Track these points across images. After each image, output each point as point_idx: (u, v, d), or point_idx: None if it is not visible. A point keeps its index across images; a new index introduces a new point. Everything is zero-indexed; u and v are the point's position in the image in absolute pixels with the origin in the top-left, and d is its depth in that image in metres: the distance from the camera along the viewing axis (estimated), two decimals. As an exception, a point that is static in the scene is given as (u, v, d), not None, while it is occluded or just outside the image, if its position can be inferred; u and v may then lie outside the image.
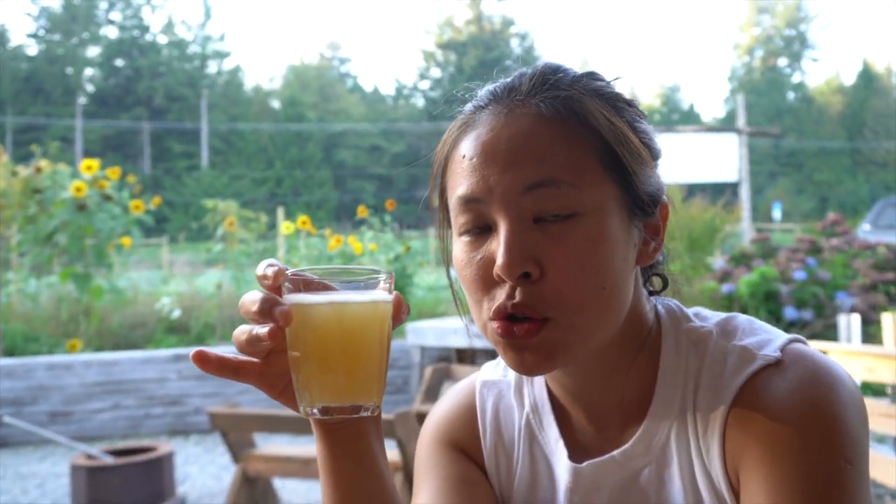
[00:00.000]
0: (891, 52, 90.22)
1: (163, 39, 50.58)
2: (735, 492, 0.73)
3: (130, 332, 7.92)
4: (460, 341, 6.42)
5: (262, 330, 0.70)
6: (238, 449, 3.97)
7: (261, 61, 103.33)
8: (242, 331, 0.72)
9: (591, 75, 0.80)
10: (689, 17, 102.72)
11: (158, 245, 22.70)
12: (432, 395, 3.98)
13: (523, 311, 0.72)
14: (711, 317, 0.82)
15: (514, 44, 55.57)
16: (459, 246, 0.78)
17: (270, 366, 0.74)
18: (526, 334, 0.72)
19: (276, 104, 53.61)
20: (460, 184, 0.76)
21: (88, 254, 6.95)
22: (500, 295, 0.73)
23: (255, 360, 0.74)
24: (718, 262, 7.53)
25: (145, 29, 50.22)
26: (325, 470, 0.80)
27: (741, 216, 11.50)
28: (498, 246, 0.72)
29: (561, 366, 0.75)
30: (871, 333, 5.93)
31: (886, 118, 50.88)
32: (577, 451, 0.84)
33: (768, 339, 0.76)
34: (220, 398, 6.57)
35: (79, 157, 40.20)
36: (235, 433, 3.92)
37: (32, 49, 48.32)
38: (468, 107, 0.81)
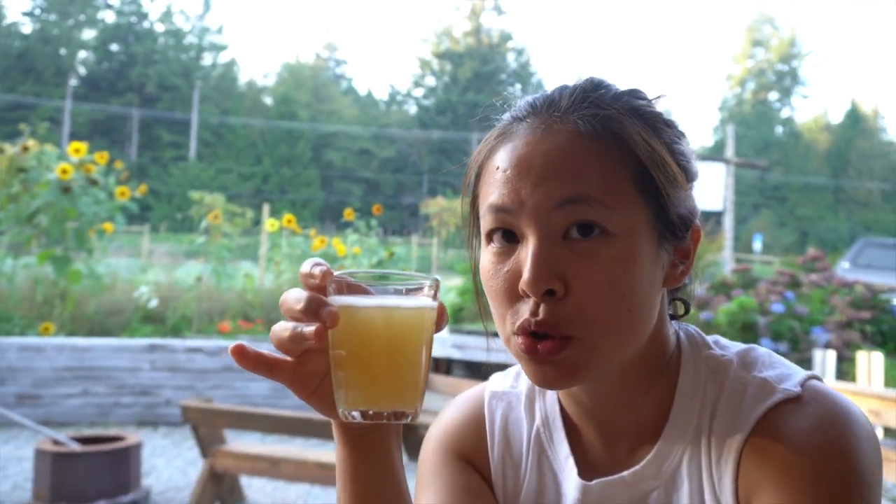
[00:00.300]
0: (878, 94, 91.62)
1: (160, 27, 50.38)
2: None
3: (106, 319, 7.83)
4: (437, 350, 6.42)
5: (309, 328, 0.68)
6: (207, 443, 3.94)
7: (256, 57, 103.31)
8: (284, 328, 0.70)
9: (634, 93, 0.80)
10: (684, 44, 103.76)
11: (139, 233, 22.56)
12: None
13: (545, 328, 0.72)
14: (731, 346, 0.83)
15: (511, 58, 55.72)
16: (487, 256, 0.77)
17: (303, 365, 0.73)
18: (549, 352, 0.72)
19: (268, 100, 53.46)
20: (492, 193, 0.76)
21: (69, 237, 6.88)
22: (524, 310, 0.73)
23: (288, 358, 0.73)
24: (698, 289, 7.58)
25: (143, 16, 49.99)
26: (345, 473, 0.80)
27: (723, 245, 11.61)
28: (525, 260, 0.72)
29: (580, 383, 0.76)
30: (843, 370, 6.00)
31: (870, 158, 51.66)
32: (586, 469, 0.84)
33: (788, 373, 0.77)
34: (191, 391, 6.51)
35: (66, 139, 39.85)
36: (206, 428, 3.90)
37: (27, 27, 47.96)
38: (506, 116, 0.81)
